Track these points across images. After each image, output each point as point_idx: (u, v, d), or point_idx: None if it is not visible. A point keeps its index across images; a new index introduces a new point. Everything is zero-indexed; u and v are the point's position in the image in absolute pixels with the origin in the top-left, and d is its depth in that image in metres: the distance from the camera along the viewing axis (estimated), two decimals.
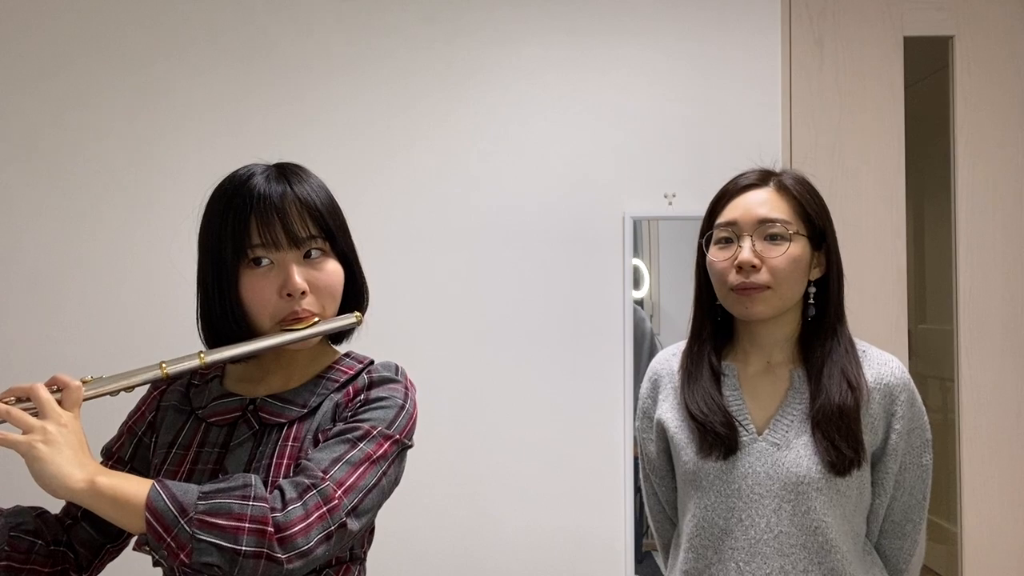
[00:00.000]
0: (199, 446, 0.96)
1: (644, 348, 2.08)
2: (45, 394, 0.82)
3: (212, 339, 0.97)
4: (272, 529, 0.81)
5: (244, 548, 0.81)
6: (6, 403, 0.81)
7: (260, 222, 0.91)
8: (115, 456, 1.01)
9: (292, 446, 0.93)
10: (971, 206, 2.09)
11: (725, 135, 2.05)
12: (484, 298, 2.04)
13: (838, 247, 1.18)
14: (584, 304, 2.04)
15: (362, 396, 0.96)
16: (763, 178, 1.17)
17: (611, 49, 2.07)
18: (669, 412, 1.21)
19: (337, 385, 0.98)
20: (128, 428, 1.02)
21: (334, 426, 0.94)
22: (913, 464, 1.14)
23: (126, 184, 1.99)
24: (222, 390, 1.00)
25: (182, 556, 0.79)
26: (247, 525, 0.81)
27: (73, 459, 0.80)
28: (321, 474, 0.85)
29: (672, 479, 1.25)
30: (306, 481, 0.85)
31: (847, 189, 2.06)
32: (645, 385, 1.29)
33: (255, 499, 0.83)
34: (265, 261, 0.92)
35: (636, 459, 2.05)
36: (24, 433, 0.79)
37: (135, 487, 0.81)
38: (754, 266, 1.11)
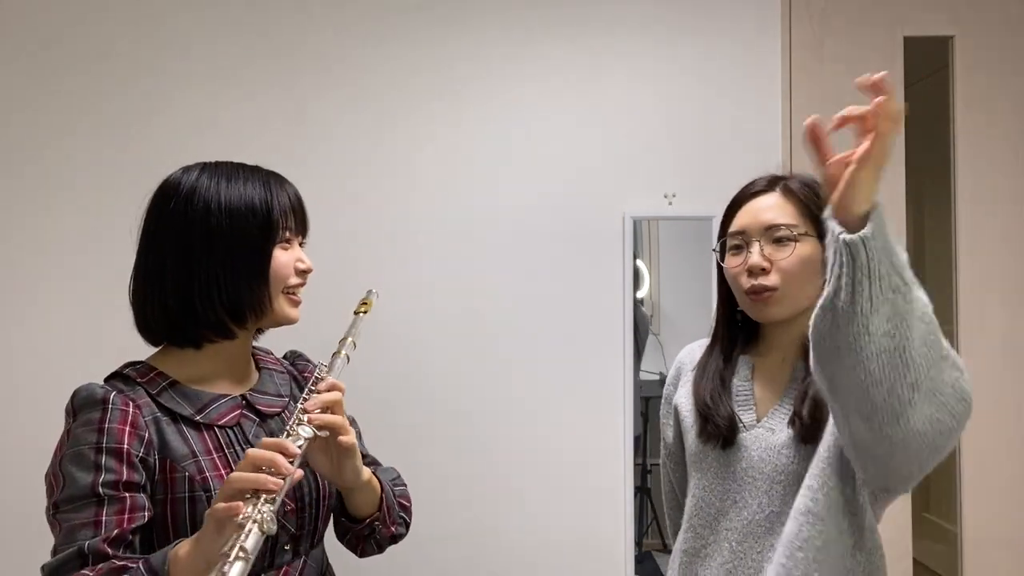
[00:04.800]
0: (226, 447, 1.00)
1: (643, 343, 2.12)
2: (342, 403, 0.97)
3: (222, 318, 1.01)
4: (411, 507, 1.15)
5: (410, 522, 1.14)
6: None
7: (292, 209, 1.07)
8: (131, 485, 0.91)
9: None
10: (971, 206, 2.09)
11: (725, 135, 2.05)
12: (484, 298, 2.04)
13: None
14: (584, 304, 2.04)
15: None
16: (771, 183, 1.20)
17: (611, 49, 2.07)
18: (684, 398, 1.27)
19: (286, 375, 1.17)
20: (125, 452, 0.91)
21: None
22: None
23: (128, 186, 2.00)
24: (210, 394, 1.02)
25: (392, 529, 1.08)
26: (410, 506, 1.15)
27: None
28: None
29: (685, 465, 1.29)
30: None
31: None
32: (671, 373, 1.36)
33: (406, 485, 1.17)
34: (285, 243, 1.06)
35: (635, 462, 2.05)
36: (347, 435, 0.96)
37: (373, 477, 1.06)
38: (764, 269, 1.14)
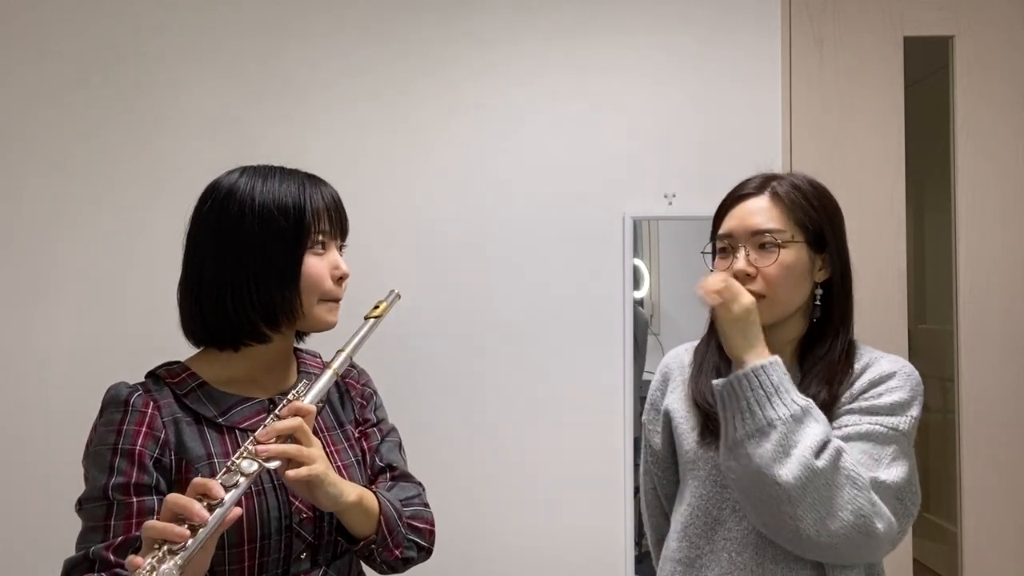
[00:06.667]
0: None
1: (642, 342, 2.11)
2: (308, 429, 0.90)
3: (255, 321, 0.99)
4: (433, 529, 1.10)
5: (427, 545, 1.08)
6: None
7: (327, 210, 1.03)
8: (141, 488, 0.92)
9: (324, 436, 1.05)
10: (971, 206, 2.09)
11: (725, 135, 2.05)
12: (483, 298, 2.04)
13: (846, 249, 1.18)
14: (584, 304, 2.04)
15: (368, 389, 1.20)
16: (760, 186, 1.19)
17: (611, 49, 2.07)
18: (677, 402, 1.26)
19: None
20: (137, 454, 0.93)
21: (361, 417, 1.14)
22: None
23: (131, 186, 2.00)
24: (236, 396, 1.01)
25: (397, 552, 1.01)
26: (428, 528, 1.10)
27: (339, 479, 0.94)
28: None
29: (674, 472, 1.28)
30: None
31: (847, 189, 2.06)
32: (655, 379, 1.34)
33: (427, 505, 1.12)
34: (320, 247, 1.03)
35: (635, 462, 2.05)
36: (307, 464, 0.88)
37: (371, 497, 0.99)
38: (749, 275, 1.14)
